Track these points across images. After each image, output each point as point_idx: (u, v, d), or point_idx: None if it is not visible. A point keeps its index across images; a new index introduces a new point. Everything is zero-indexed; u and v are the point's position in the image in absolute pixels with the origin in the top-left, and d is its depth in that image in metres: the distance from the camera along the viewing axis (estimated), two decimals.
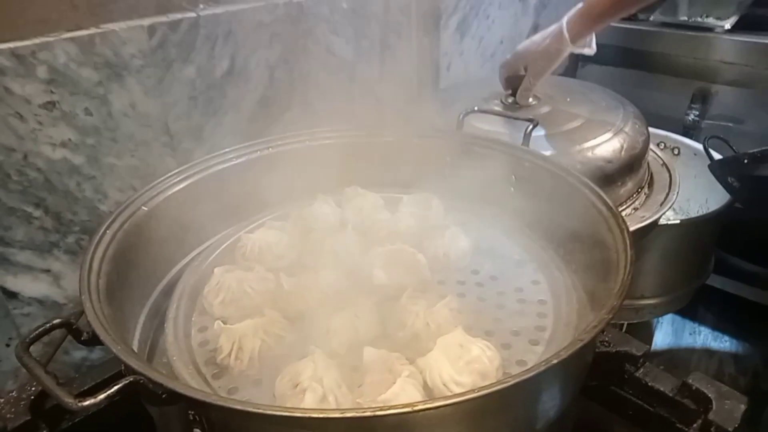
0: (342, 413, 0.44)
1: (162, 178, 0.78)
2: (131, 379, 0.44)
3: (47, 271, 0.84)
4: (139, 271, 0.67)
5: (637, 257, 1.15)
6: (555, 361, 0.48)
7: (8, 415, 0.70)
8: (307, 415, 0.43)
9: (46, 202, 0.81)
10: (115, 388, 0.43)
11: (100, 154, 0.85)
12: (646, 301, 1.21)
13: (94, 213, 0.86)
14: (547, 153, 0.94)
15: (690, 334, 1.52)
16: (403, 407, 0.45)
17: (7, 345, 0.83)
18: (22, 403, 0.71)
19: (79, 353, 0.91)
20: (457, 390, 0.56)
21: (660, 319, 1.53)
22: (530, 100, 1.11)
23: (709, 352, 1.46)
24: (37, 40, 0.76)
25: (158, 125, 0.90)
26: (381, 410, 0.44)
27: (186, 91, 0.92)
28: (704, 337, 1.51)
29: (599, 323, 0.52)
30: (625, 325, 1.28)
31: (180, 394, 0.44)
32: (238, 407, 0.43)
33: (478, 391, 0.46)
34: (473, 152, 0.84)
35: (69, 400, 0.42)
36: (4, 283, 0.81)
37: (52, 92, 0.78)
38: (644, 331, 1.47)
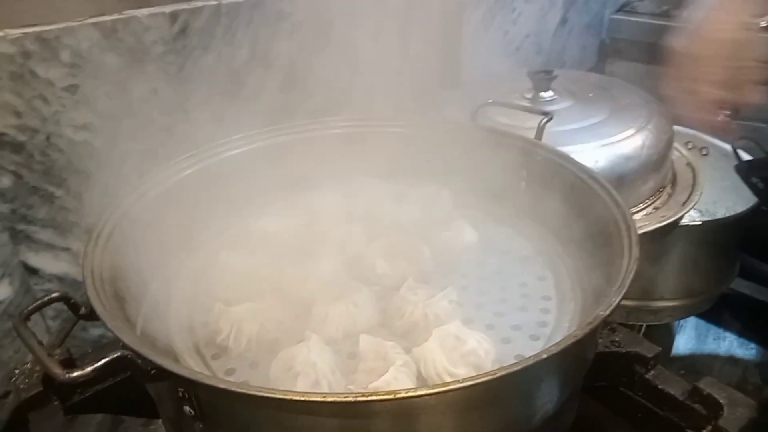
0: (323, 397, 0.44)
1: (172, 162, 0.79)
2: (119, 354, 0.45)
3: (67, 249, 0.87)
4: (146, 252, 0.68)
5: (656, 258, 1.12)
6: (545, 356, 0.47)
7: (22, 386, 0.73)
8: (288, 397, 0.43)
9: (67, 182, 0.83)
10: (103, 361, 0.44)
11: (120, 137, 0.87)
12: (666, 303, 1.18)
13: (113, 194, 0.88)
14: (565, 148, 0.93)
15: (714, 339, 1.46)
16: (385, 394, 0.45)
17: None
18: (36, 375, 0.74)
19: (96, 330, 0.94)
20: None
21: (683, 323, 1.48)
22: (551, 93, 1.09)
23: (733, 360, 1.41)
24: (61, 25, 0.78)
25: (178, 111, 0.92)
26: (363, 396, 0.44)
27: (206, 78, 0.93)
28: (729, 344, 1.45)
29: (594, 320, 0.51)
30: (643, 327, 1.24)
31: (167, 370, 0.45)
32: (222, 386, 0.44)
33: (463, 382, 0.45)
34: (484, 145, 0.82)
35: (57, 371, 0.43)
36: (26, 260, 0.84)
37: (74, 76, 0.80)
38: (664, 335, 1.43)
